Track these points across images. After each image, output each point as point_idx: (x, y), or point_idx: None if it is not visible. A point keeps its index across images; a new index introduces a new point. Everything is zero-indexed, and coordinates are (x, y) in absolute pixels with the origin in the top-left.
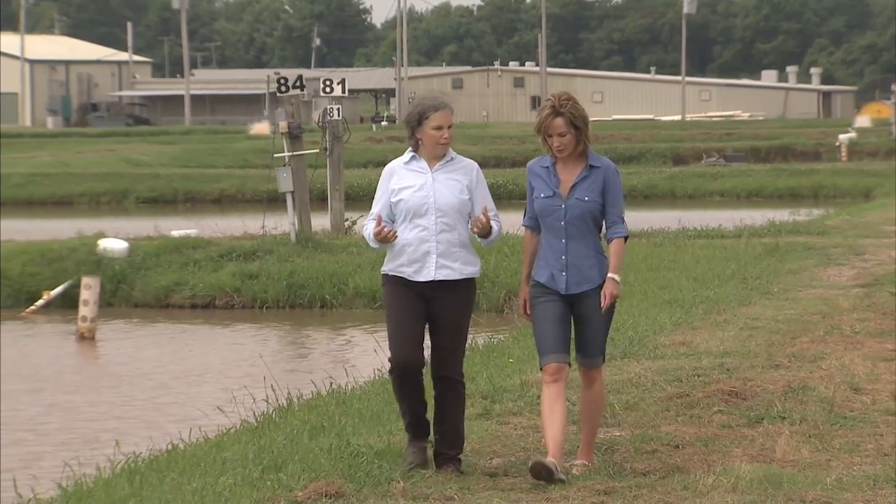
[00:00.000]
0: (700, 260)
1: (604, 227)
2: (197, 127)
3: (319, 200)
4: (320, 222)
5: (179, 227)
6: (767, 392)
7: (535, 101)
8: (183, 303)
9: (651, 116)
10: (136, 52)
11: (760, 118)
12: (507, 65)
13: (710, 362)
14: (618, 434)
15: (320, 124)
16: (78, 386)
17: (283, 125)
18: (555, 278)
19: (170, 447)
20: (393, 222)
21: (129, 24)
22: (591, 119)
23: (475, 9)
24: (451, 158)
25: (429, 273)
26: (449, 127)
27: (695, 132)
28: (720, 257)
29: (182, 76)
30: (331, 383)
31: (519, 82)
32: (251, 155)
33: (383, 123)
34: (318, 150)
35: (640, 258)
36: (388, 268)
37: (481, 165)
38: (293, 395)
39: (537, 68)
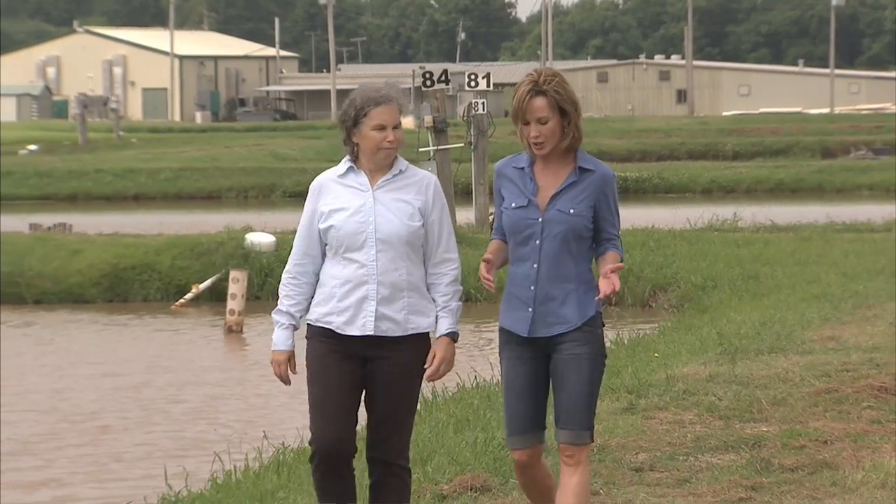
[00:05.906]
0: (849, 254)
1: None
2: None
3: (464, 195)
4: (465, 216)
5: None
6: None
7: (681, 95)
8: None
9: (799, 109)
10: (283, 47)
11: None
12: (653, 58)
13: (859, 357)
14: (765, 429)
15: (465, 118)
16: (226, 378)
17: (428, 119)
18: (518, 319)
19: None
20: (323, 256)
21: (276, 20)
22: (735, 112)
23: (620, 2)
24: (401, 171)
25: (365, 325)
26: (395, 127)
27: (843, 125)
28: (869, 252)
29: (328, 71)
30: (475, 377)
31: (664, 76)
32: None
33: None
34: (462, 145)
35: (788, 252)
36: (313, 316)
37: (626, 160)
38: (437, 389)
39: (683, 62)
